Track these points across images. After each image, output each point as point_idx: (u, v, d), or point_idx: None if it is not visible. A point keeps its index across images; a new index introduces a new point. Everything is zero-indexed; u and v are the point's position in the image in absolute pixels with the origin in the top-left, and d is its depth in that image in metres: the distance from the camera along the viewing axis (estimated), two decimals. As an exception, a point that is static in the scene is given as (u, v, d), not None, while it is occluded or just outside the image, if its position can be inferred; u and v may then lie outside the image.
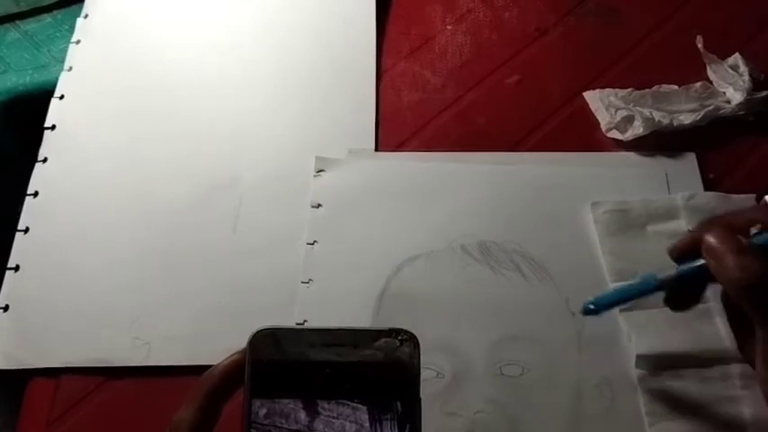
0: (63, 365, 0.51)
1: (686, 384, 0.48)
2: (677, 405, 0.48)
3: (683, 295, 0.42)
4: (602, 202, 0.56)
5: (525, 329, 0.51)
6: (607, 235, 0.54)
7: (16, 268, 0.55)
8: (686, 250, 0.40)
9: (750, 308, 0.36)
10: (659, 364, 0.49)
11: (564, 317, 0.51)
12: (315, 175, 0.59)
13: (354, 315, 0.52)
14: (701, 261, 0.39)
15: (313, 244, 0.55)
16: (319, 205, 0.57)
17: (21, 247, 0.56)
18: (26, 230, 0.57)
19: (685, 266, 0.41)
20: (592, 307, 0.46)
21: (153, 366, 0.51)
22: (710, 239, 0.37)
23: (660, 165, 0.59)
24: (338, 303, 0.52)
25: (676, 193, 0.56)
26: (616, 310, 0.51)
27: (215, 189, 0.58)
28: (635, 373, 0.49)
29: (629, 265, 0.53)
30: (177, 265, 0.55)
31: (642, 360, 0.49)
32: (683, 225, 0.55)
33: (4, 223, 0.58)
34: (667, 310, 0.48)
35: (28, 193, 0.59)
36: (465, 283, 0.53)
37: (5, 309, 0.53)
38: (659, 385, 0.48)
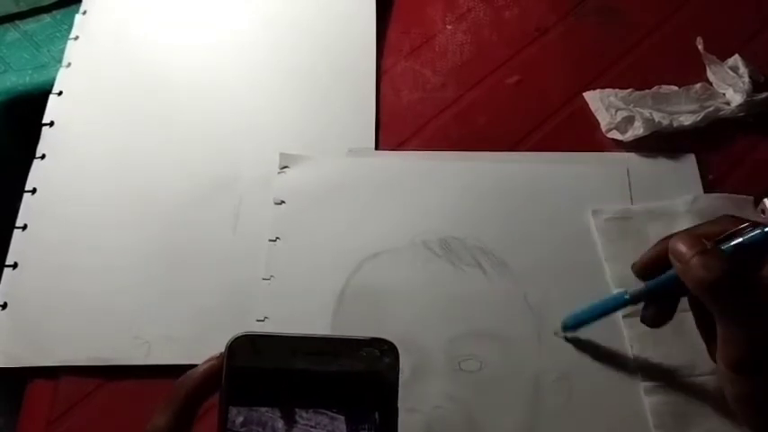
0: (62, 364, 0.51)
1: (693, 394, 0.48)
2: (685, 415, 0.47)
3: (656, 311, 0.44)
4: (603, 209, 0.56)
5: (484, 325, 0.51)
6: (609, 242, 0.54)
7: (14, 265, 0.55)
8: (649, 264, 0.42)
9: (712, 306, 0.37)
10: (662, 373, 0.49)
11: (523, 312, 0.52)
12: (279, 172, 0.58)
13: (314, 312, 0.52)
14: (669, 273, 0.41)
15: (275, 240, 0.55)
16: (282, 202, 0.57)
17: (19, 245, 0.56)
18: (24, 227, 0.57)
19: (653, 280, 0.42)
20: (569, 326, 0.50)
21: (153, 366, 0.50)
22: (676, 244, 0.39)
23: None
24: (299, 301, 0.52)
25: (677, 198, 0.56)
26: (619, 317, 0.51)
27: (215, 188, 0.58)
28: (595, 366, 0.50)
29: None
30: (177, 263, 0.55)
31: (645, 369, 0.49)
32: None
33: (3, 221, 0.58)
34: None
35: (26, 189, 0.58)
36: (425, 279, 0.53)
37: (4, 306, 0.53)
38: (666, 396, 0.48)
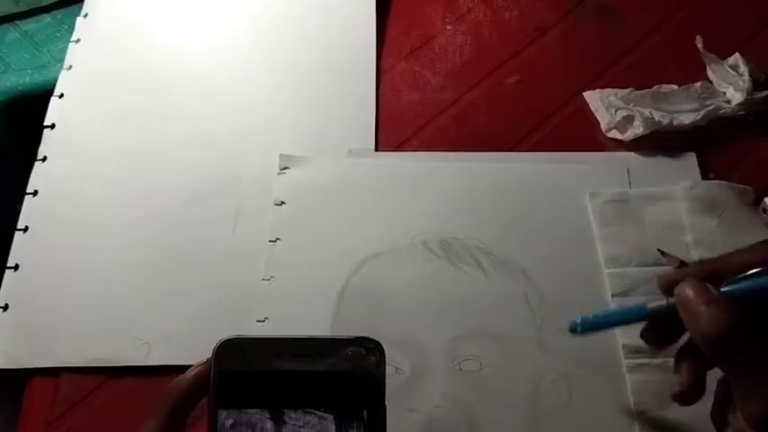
0: (62, 365, 0.51)
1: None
2: (665, 395, 0.48)
3: (663, 331, 0.41)
4: (600, 192, 0.56)
5: (484, 325, 0.51)
6: (605, 224, 0.55)
7: (16, 267, 0.55)
8: (671, 284, 0.39)
9: (722, 364, 0.35)
10: (646, 353, 0.49)
11: (523, 312, 0.52)
12: (279, 173, 0.59)
13: (314, 312, 0.52)
14: None
15: (275, 241, 0.55)
16: (282, 203, 0.57)
17: (20, 246, 0.56)
18: (25, 229, 0.57)
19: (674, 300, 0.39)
20: (582, 328, 0.45)
21: (153, 366, 0.50)
22: (682, 292, 0.36)
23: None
24: (299, 301, 0.53)
25: (676, 183, 0.57)
26: (608, 296, 0.52)
27: (215, 189, 0.58)
28: (595, 368, 0.49)
29: (625, 252, 0.53)
30: (177, 264, 0.55)
31: (629, 349, 0.49)
32: (682, 215, 0.55)
33: (4, 222, 0.58)
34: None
35: (27, 191, 0.59)
36: (425, 279, 0.53)
37: (5, 308, 0.53)
38: (647, 376, 0.49)
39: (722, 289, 0.36)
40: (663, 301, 0.40)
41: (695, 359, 0.38)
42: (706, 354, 0.35)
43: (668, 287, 0.39)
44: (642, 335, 0.42)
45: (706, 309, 0.34)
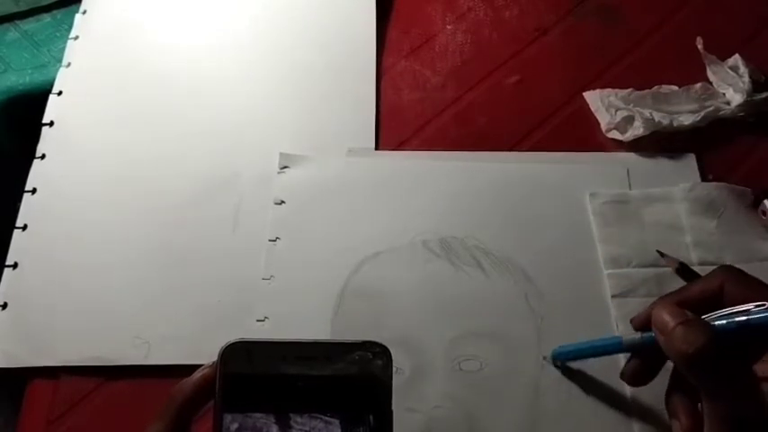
0: (62, 364, 0.51)
1: None
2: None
3: (639, 367, 0.42)
4: (600, 193, 0.57)
5: (485, 325, 0.51)
6: (605, 225, 0.55)
7: (14, 266, 0.55)
8: (644, 323, 0.41)
9: (695, 380, 0.35)
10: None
11: (523, 312, 0.52)
12: (279, 172, 0.59)
13: (314, 312, 0.52)
14: None
15: (275, 240, 0.55)
16: (282, 202, 0.57)
17: (19, 245, 0.56)
18: (24, 227, 0.57)
19: (648, 334, 0.40)
20: (559, 358, 0.49)
21: (153, 366, 0.50)
22: (658, 315, 0.37)
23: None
24: (299, 300, 0.53)
25: (676, 185, 0.57)
26: (607, 296, 0.52)
27: (215, 188, 0.58)
28: (595, 367, 0.49)
29: (624, 252, 0.54)
30: (177, 263, 0.55)
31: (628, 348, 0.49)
32: (682, 216, 0.55)
33: (3, 221, 0.58)
34: None
35: (26, 189, 0.58)
36: (425, 278, 0.53)
37: (4, 306, 0.53)
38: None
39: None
40: (637, 335, 0.42)
41: (685, 396, 0.39)
42: (683, 373, 0.36)
43: (641, 324, 0.41)
44: (621, 375, 0.43)
45: (681, 328, 0.36)
